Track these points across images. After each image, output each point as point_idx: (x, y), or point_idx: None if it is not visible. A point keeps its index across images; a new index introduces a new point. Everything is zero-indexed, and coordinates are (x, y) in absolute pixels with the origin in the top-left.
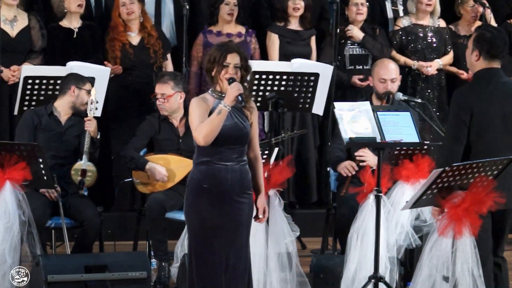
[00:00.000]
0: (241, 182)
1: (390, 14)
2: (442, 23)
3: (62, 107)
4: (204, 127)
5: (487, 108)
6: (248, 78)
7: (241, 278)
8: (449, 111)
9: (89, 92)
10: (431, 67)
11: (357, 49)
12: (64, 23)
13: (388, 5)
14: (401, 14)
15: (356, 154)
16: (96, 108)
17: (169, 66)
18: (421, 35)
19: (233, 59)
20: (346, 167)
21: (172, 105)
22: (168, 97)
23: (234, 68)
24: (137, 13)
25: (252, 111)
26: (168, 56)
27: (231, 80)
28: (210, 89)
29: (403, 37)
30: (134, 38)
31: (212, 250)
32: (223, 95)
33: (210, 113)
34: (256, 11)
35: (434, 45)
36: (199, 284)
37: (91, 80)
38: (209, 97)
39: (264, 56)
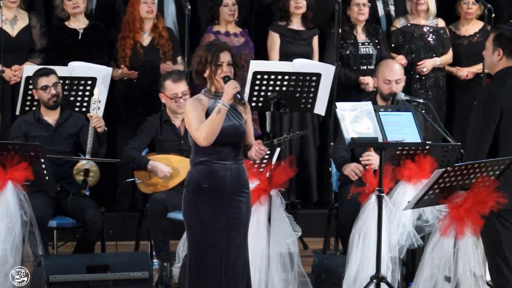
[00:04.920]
0: (239, 181)
1: (381, 13)
2: (440, 23)
3: (44, 110)
4: (204, 128)
5: None
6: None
7: (241, 277)
8: (474, 109)
9: (45, 88)
10: (424, 65)
11: (362, 48)
12: (70, 23)
13: (380, 5)
14: (393, 14)
15: (361, 159)
16: (99, 108)
17: (180, 68)
18: (417, 35)
19: (225, 57)
20: (354, 171)
21: None
22: (188, 93)
23: (228, 66)
24: (155, 13)
25: (244, 108)
26: (179, 59)
27: (227, 79)
28: (204, 90)
29: (400, 37)
30: (146, 38)
31: (211, 250)
32: (218, 95)
33: (207, 114)
34: (265, 11)
35: (431, 45)
36: (199, 285)
37: (50, 71)
38: (203, 98)
39: (265, 55)
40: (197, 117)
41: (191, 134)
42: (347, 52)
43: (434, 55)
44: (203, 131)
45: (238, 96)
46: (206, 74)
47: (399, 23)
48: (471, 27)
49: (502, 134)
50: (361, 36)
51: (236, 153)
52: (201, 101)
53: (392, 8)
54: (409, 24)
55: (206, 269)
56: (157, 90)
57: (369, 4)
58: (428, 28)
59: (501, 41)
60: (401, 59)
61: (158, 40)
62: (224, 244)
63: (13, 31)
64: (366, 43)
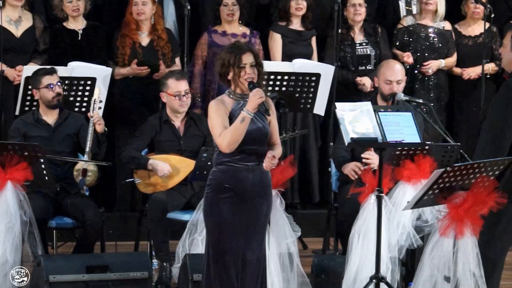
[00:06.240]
0: (262, 182)
1: (403, 13)
2: (447, 26)
3: (44, 111)
4: (227, 135)
5: None
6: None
7: (256, 277)
8: (494, 104)
9: (48, 86)
10: (430, 66)
11: (359, 49)
12: (69, 24)
13: (402, 4)
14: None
15: (362, 156)
16: (100, 108)
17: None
18: (423, 35)
19: (247, 58)
20: (353, 169)
21: (190, 100)
22: (190, 92)
23: (251, 67)
24: (148, 15)
25: (269, 108)
26: (177, 60)
27: (251, 85)
28: (228, 91)
29: (405, 36)
30: (144, 38)
31: (229, 249)
32: (242, 96)
33: (230, 116)
34: (264, 11)
35: (436, 46)
36: (215, 283)
37: (53, 70)
38: (227, 99)
39: (267, 56)
40: (221, 122)
41: (214, 139)
42: (345, 54)
43: (438, 56)
44: (225, 139)
45: (263, 107)
46: (229, 77)
47: (406, 21)
48: (476, 27)
49: None
50: (358, 37)
51: (259, 155)
52: (225, 103)
53: (414, 8)
54: (415, 24)
55: (223, 268)
56: (154, 90)
57: (365, 4)
58: (434, 29)
59: None
60: (408, 55)
61: (157, 42)
62: (242, 243)
63: (17, 31)
64: (364, 44)
